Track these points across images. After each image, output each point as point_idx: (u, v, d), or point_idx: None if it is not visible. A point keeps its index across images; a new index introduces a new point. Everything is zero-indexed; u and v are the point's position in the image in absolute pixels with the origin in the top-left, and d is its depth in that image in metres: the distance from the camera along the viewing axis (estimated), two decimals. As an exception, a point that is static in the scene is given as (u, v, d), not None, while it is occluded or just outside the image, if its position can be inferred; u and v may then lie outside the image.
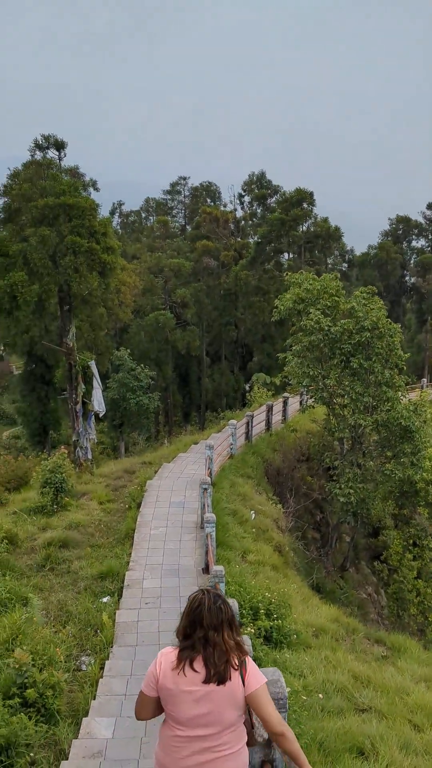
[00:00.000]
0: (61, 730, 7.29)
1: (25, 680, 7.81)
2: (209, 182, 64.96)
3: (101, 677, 9.16)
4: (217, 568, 10.31)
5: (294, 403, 29.01)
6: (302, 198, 48.05)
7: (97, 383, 22.90)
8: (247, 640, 6.40)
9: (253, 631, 8.82)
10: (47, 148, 27.01)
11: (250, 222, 59.52)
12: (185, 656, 3.30)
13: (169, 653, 3.44)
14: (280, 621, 10.32)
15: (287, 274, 22.53)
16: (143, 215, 72.12)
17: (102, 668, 9.46)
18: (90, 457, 24.18)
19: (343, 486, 19.62)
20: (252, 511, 17.07)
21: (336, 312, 20.42)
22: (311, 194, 48.27)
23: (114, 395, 35.03)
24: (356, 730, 7.39)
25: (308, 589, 15.17)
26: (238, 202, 60.15)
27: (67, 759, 6.71)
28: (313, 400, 22.40)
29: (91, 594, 12.22)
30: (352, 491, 19.33)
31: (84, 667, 9.78)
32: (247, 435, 22.69)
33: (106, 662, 9.56)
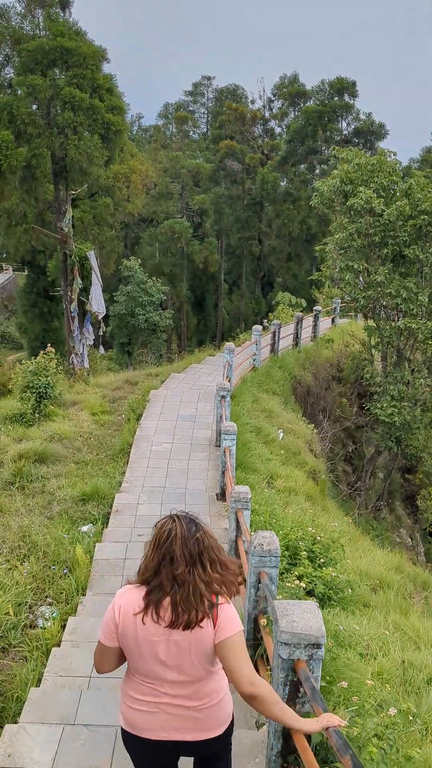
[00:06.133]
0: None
1: None
2: (236, 85, 58.06)
3: (59, 643, 5.98)
4: (240, 490, 7.00)
5: (325, 321, 25.39)
6: (343, 87, 42.25)
7: (96, 279, 19.29)
8: (313, 609, 3.42)
9: (300, 584, 5.49)
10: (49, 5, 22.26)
11: (281, 126, 53.42)
12: (154, 599, 2.62)
13: (129, 594, 2.71)
14: (328, 568, 7.02)
15: (334, 148, 18.55)
16: (161, 122, 66.12)
17: (64, 627, 6.30)
18: (86, 365, 20.81)
19: (385, 405, 16.21)
20: (280, 430, 13.75)
21: (392, 196, 16.51)
22: (354, 84, 42.27)
23: (122, 310, 31.41)
24: None
25: (353, 525, 11.92)
26: (267, 107, 54.09)
27: None
28: (353, 309, 18.72)
29: (67, 520, 9.25)
30: (396, 410, 15.92)
31: (41, 623, 6.65)
32: (273, 348, 19.17)
33: (71, 618, 6.38)
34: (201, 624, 2.62)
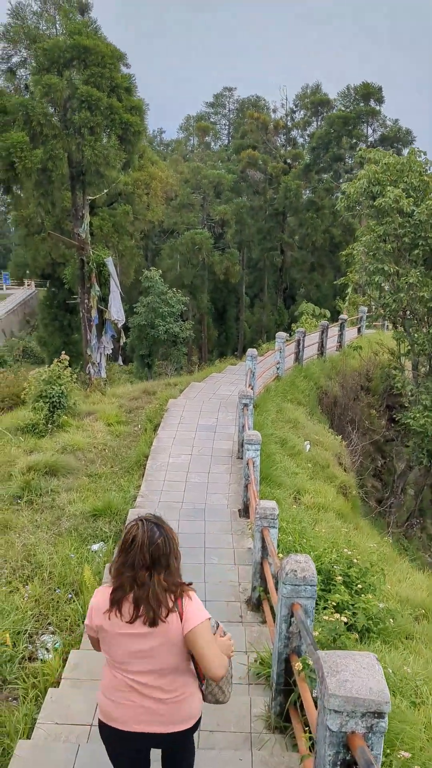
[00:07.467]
0: None
1: None
2: (257, 96, 57.72)
3: (57, 682, 5.19)
4: (266, 505, 6.20)
5: (351, 330, 24.51)
6: (369, 93, 41.41)
7: (115, 285, 18.65)
8: (371, 664, 2.42)
9: (340, 617, 4.63)
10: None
11: (303, 136, 52.45)
12: (116, 598, 2.86)
13: (100, 595, 2.97)
14: (367, 594, 6.16)
15: (362, 150, 17.79)
16: (182, 135, 65.84)
17: (66, 661, 5.52)
18: (104, 375, 20.11)
19: (417, 415, 15.28)
20: (306, 442, 12.89)
21: (423, 197, 15.68)
22: (380, 89, 41.47)
23: (141, 321, 30.83)
24: None
25: (389, 545, 10.99)
26: (290, 117, 53.34)
27: None
28: (382, 315, 17.82)
29: (77, 538, 8.49)
30: (429, 420, 15.00)
31: (41, 656, 5.86)
32: (297, 357, 18.34)
33: (73, 652, 5.60)
34: (166, 619, 2.79)
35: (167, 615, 2.79)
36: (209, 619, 2.91)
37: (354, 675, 2.43)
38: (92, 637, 3.10)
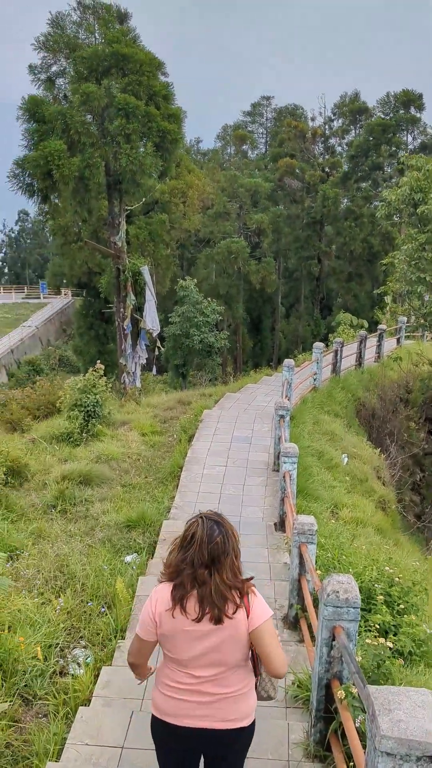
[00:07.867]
0: None
1: None
2: (295, 105, 57.65)
3: (88, 699, 5.04)
4: (305, 520, 5.97)
5: (390, 341, 24.05)
6: (409, 100, 40.98)
7: (150, 294, 18.64)
8: (427, 702, 2.23)
9: (385, 642, 4.39)
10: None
11: (341, 145, 52.22)
12: (178, 595, 2.83)
13: (163, 591, 2.91)
14: (410, 615, 5.88)
15: (404, 156, 17.51)
16: (220, 144, 66.01)
17: (97, 676, 5.37)
18: (138, 384, 20.09)
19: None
20: (344, 455, 12.60)
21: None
22: (420, 96, 40.99)
23: (176, 331, 30.82)
24: None
25: (430, 563, 10.63)
26: (327, 126, 53.10)
27: None
28: (423, 325, 17.42)
29: (110, 549, 8.38)
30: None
31: (72, 671, 5.72)
32: (335, 368, 18.04)
33: (105, 668, 5.44)
34: (232, 616, 2.79)
35: (234, 612, 2.79)
36: (272, 615, 2.92)
37: (408, 714, 2.21)
38: (146, 643, 2.97)
